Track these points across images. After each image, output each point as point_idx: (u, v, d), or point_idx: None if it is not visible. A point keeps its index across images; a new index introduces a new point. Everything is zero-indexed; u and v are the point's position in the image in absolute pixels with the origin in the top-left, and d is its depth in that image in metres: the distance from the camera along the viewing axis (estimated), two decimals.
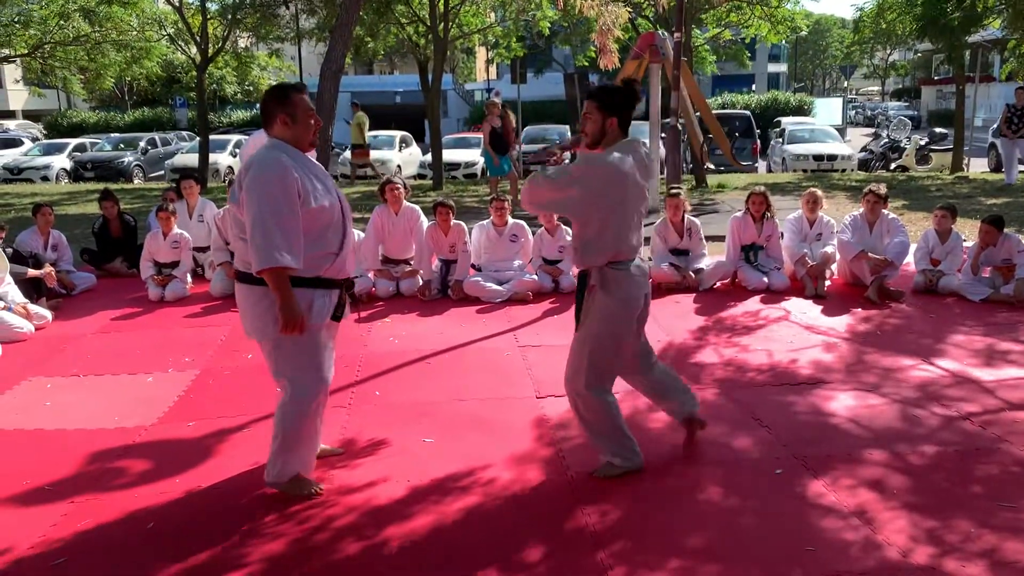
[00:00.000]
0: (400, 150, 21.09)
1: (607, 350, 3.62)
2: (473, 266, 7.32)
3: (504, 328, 6.19)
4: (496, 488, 3.63)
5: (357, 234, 7.35)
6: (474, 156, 18.76)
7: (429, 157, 18.06)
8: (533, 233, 7.54)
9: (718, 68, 25.44)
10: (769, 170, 20.76)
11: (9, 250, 6.95)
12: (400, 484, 3.68)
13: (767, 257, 7.27)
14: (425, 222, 7.35)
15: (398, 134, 22.11)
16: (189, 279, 7.58)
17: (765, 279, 7.06)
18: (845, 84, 39.74)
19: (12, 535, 3.32)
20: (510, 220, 7.44)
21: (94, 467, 3.97)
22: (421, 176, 19.36)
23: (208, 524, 3.37)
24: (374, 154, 20.15)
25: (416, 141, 23.08)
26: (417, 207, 7.47)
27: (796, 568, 2.97)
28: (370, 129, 17.82)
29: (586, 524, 3.29)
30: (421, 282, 7.22)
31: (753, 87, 44.54)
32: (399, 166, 19.62)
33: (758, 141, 20.74)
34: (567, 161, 3.72)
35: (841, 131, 26.44)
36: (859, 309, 6.47)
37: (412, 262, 7.40)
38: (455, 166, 18.83)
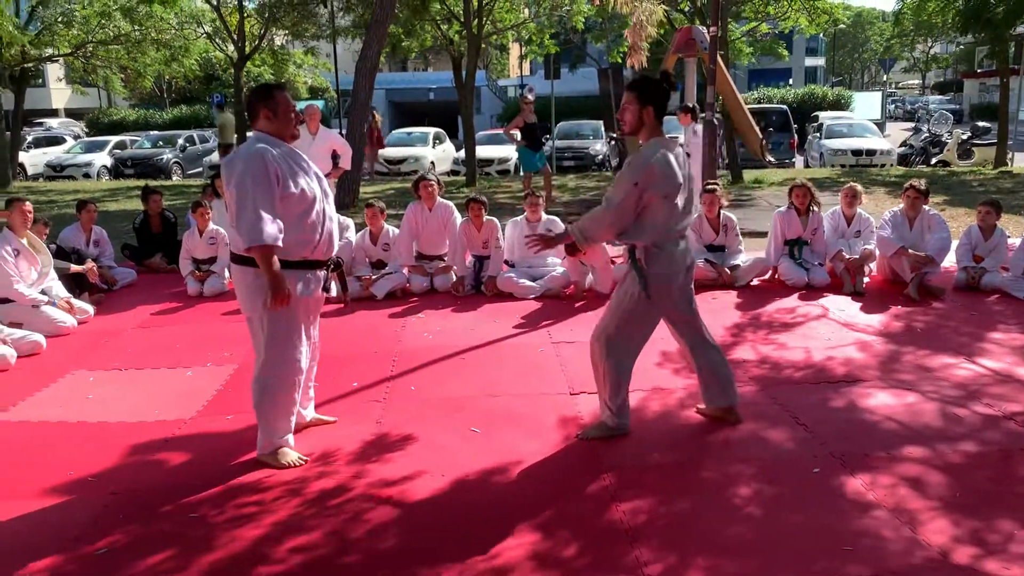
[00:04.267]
0: (433, 146, 21.16)
1: (637, 314, 3.93)
2: (506, 262, 7.32)
3: (538, 324, 6.19)
4: (530, 483, 3.63)
5: (392, 231, 7.41)
6: (508, 152, 18.76)
7: (462, 153, 18.11)
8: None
9: (755, 61, 25.12)
10: (806, 165, 20.50)
11: (53, 246, 7.10)
12: (435, 478, 3.70)
13: (812, 252, 7.16)
14: (459, 218, 7.37)
15: (431, 130, 22.18)
16: (227, 274, 7.68)
17: (806, 275, 6.97)
18: (884, 78, 39.08)
19: (56, 525, 3.40)
20: (544, 216, 7.43)
21: (135, 459, 4.05)
22: (454, 172, 19.40)
23: (247, 516, 3.42)
24: (409, 151, 20.27)
25: (449, 137, 23.14)
26: (451, 203, 7.49)
27: (833, 566, 2.94)
28: (404, 125, 18.01)
29: (621, 520, 3.28)
30: (455, 278, 7.24)
31: (790, 81, 43.99)
32: (432, 162, 19.69)
33: (795, 136, 20.49)
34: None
35: (880, 126, 26.04)
36: (898, 307, 6.37)
37: (446, 258, 7.42)
38: (488, 162, 18.85)
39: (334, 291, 5.46)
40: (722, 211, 7.33)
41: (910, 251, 6.72)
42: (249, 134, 3.93)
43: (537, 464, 3.82)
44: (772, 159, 13.54)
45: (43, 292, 6.42)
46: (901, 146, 21.22)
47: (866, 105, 32.96)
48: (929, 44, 52.63)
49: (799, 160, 21.03)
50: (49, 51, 19.66)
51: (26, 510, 3.54)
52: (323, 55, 27.58)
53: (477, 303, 6.86)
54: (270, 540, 3.24)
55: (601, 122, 22.78)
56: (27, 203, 6.42)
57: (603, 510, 3.37)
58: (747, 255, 7.35)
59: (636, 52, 12.43)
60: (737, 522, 3.27)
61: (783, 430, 4.15)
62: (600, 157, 19.80)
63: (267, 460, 3.84)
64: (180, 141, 23.49)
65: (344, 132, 12.41)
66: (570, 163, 19.21)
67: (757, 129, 12.57)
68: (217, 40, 22.32)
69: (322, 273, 3.84)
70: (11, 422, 4.59)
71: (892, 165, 18.65)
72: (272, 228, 3.48)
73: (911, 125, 28.49)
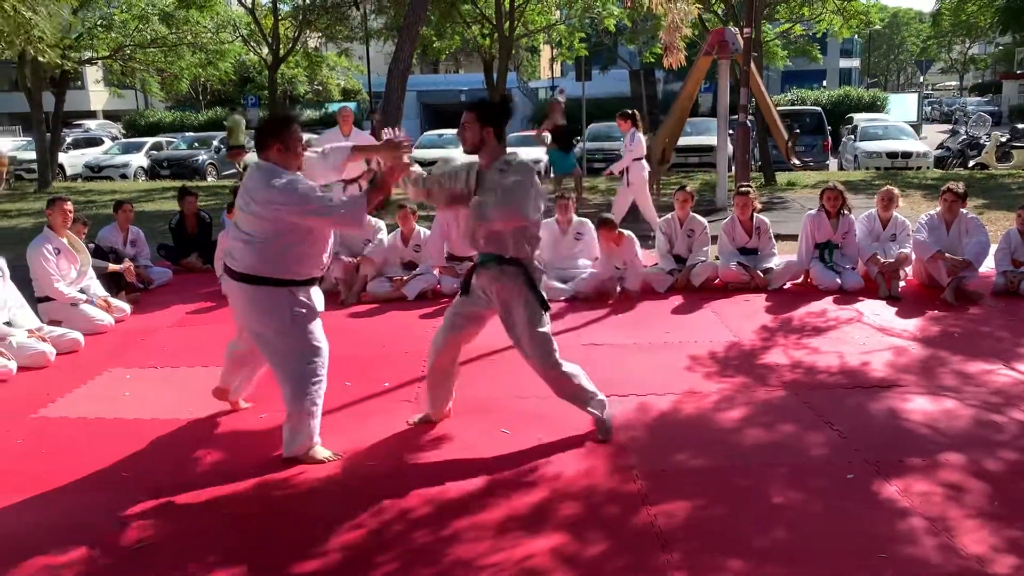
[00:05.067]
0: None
1: (546, 326, 4.03)
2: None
3: (567, 326, 6.18)
4: (560, 485, 3.63)
5: (423, 232, 7.45)
6: (538, 154, 18.76)
7: None
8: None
9: (789, 63, 24.92)
10: (840, 168, 20.25)
11: (91, 245, 7.22)
12: (466, 477, 3.71)
13: (842, 256, 7.08)
14: None
15: None
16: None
17: (838, 279, 6.89)
18: (921, 79, 38.47)
19: (93, 520, 3.46)
20: (574, 218, 7.43)
21: (171, 456, 4.11)
22: None
23: (284, 513, 3.46)
24: (440, 152, 20.35)
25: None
26: None
27: (868, 573, 2.90)
28: (436, 127, 18.14)
29: (652, 523, 3.27)
30: None
31: (824, 83, 43.54)
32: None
33: (829, 138, 20.26)
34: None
35: (916, 128, 25.63)
36: (935, 311, 6.27)
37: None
38: None
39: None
40: (755, 214, 7.27)
41: (947, 255, 6.62)
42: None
43: (567, 466, 3.82)
44: (797, 161, 13.42)
45: (82, 291, 6.54)
46: (938, 148, 20.88)
47: (902, 107, 32.53)
48: (967, 45, 51.79)
49: (833, 163, 20.79)
50: (88, 54, 20.01)
51: (63, 504, 3.61)
52: (356, 57, 27.81)
53: None
54: (306, 537, 3.27)
55: None
56: (68, 202, 6.54)
57: (634, 513, 3.36)
58: (780, 258, 7.28)
59: (673, 52, 12.35)
60: (770, 527, 3.25)
61: (817, 435, 4.11)
62: None
63: (304, 459, 3.92)
64: (215, 143, 23.77)
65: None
66: (601, 165, 19.12)
67: (783, 131, 12.44)
68: (252, 43, 22.58)
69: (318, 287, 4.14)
70: (50, 418, 4.68)
71: (928, 168, 18.36)
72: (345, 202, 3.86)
73: (948, 127, 28.01)
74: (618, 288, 7.00)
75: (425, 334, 5.96)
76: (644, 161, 9.83)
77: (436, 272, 7.28)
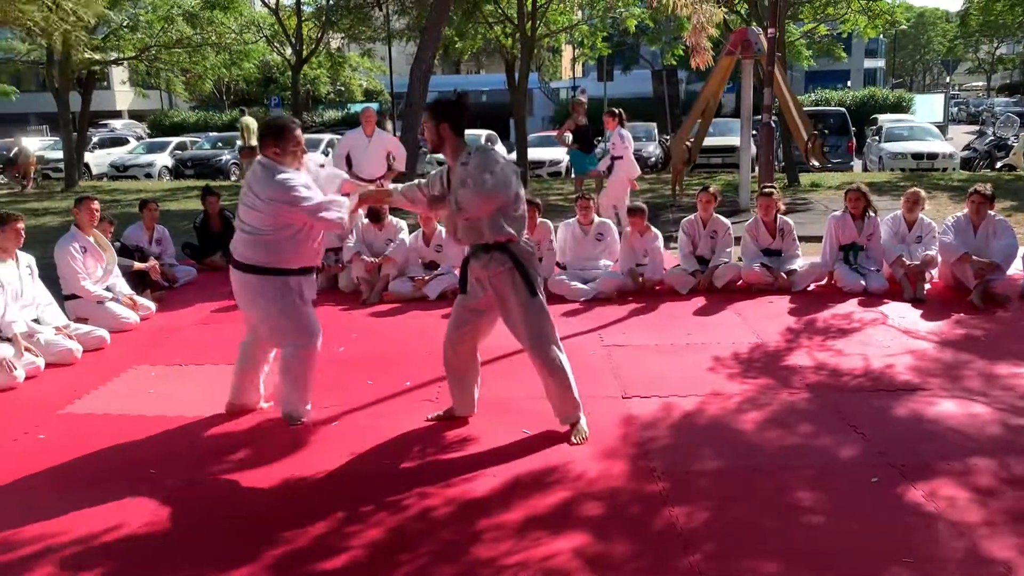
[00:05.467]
0: None
1: (542, 308, 4.08)
2: (558, 264, 7.32)
3: (589, 327, 6.17)
4: (583, 485, 3.62)
5: (445, 232, 7.46)
6: (559, 154, 18.74)
7: (514, 155, 18.14)
8: (620, 234, 7.53)
9: (813, 63, 24.71)
10: (865, 169, 20.08)
11: (117, 244, 7.30)
12: (488, 477, 3.72)
13: (867, 258, 7.02)
14: None
15: (483, 132, 22.24)
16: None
17: (862, 281, 6.83)
18: (947, 79, 38.05)
19: (121, 515, 3.50)
20: (596, 218, 7.42)
21: (195, 453, 4.15)
22: None
23: (307, 510, 3.48)
24: None
25: (501, 139, 23.20)
26: None
27: None
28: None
29: (675, 524, 3.26)
30: None
31: (848, 83, 43.16)
32: None
33: (853, 139, 20.09)
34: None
35: (942, 128, 25.36)
36: (961, 314, 6.20)
37: None
38: (540, 164, 18.85)
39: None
40: (779, 215, 7.23)
41: (974, 257, 6.55)
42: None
43: (590, 467, 3.81)
44: (816, 163, 13.36)
45: (108, 289, 6.61)
46: (964, 150, 20.64)
47: (928, 108, 32.17)
48: (995, 44, 51.14)
49: (857, 164, 20.61)
50: (114, 55, 20.24)
51: (90, 499, 3.64)
52: (378, 58, 27.91)
53: None
54: (331, 534, 3.29)
55: (654, 124, 22.62)
56: (95, 202, 6.62)
57: (656, 514, 3.35)
58: (804, 260, 7.23)
59: (699, 53, 12.28)
60: (793, 530, 3.22)
61: (840, 438, 4.07)
62: (653, 159, 19.67)
63: (297, 420, 4.36)
64: (239, 142, 23.93)
65: (398, 134, 12.54)
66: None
67: (804, 132, 12.36)
68: (275, 44, 22.74)
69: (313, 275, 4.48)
70: (76, 414, 4.74)
71: (955, 169, 18.16)
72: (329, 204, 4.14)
73: (975, 128, 27.69)
74: (640, 278, 7.03)
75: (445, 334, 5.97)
76: (632, 159, 9.97)
77: (457, 272, 7.28)
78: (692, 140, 13.28)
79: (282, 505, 3.56)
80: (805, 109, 14.47)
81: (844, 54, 24.78)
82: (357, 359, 5.56)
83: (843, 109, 22.23)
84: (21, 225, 5.76)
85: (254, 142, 19.34)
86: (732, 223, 7.51)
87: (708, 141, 14.07)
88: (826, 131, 14.64)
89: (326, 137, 22.90)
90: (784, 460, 3.87)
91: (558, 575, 2.95)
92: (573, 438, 4.07)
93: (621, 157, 9.95)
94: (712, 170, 17.91)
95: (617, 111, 10.21)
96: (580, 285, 6.98)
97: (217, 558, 3.14)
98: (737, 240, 7.49)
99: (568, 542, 3.15)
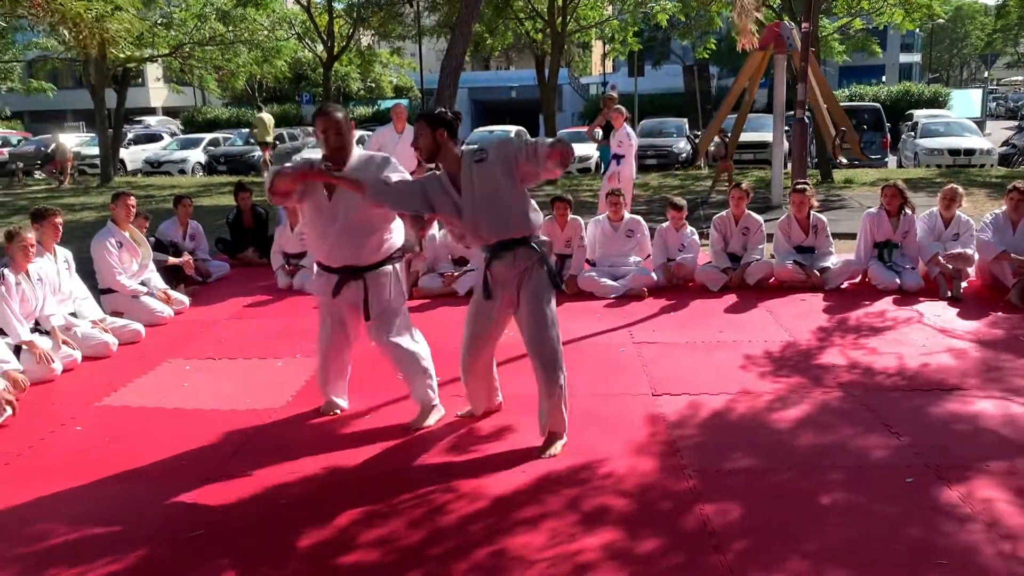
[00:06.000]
0: None
1: (552, 305, 4.05)
2: (588, 261, 7.30)
3: (618, 324, 6.15)
4: (613, 483, 3.61)
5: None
6: (589, 150, 18.69)
7: None
8: (652, 230, 7.49)
9: (845, 59, 24.36)
10: (900, 165, 19.80)
11: (151, 239, 7.41)
12: (517, 473, 3.72)
13: (902, 256, 6.92)
14: (541, 216, 7.36)
15: (513, 128, 22.26)
16: (316, 269, 7.85)
17: (897, 279, 6.73)
18: (986, 74, 37.36)
19: (153, 507, 3.55)
20: (626, 215, 7.39)
21: (228, 445, 4.19)
22: None
23: (338, 504, 3.50)
24: None
25: (531, 136, 23.17)
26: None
27: None
28: (486, 124, 18.23)
29: (705, 523, 3.23)
30: None
31: (883, 78, 42.50)
32: None
33: (888, 135, 19.80)
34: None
35: (980, 124, 24.92)
36: (999, 313, 6.09)
37: None
38: None
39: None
40: (812, 212, 7.15)
41: (1012, 255, 6.42)
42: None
43: (620, 464, 3.79)
44: (844, 160, 13.20)
45: (143, 283, 6.71)
46: (1003, 146, 20.27)
47: (965, 103, 31.60)
48: None
49: (892, 160, 20.32)
50: (149, 52, 20.51)
51: (124, 491, 3.71)
52: (408, 54, 28.00)
53: (557, 301, 6.76)
54: (357, 527, 3.31)
55: (685, 120, 22.46)
56: (131, 197, 6.72)
57: (686, 512, 3.33)
58: (837, 257, 7.15)
59: (746, 36, 12.10)
60: (825, 530, 3.19)
61: (874, 437, 4.02)
62: (684, 155, 19.55)
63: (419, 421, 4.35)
64: (270, 139, 24.14)
65: None
66: (652, 161, 19.00)
67: (834, 128, 12.21)
68: (307, 40, 22.90)
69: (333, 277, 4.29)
70: (112, 407, 4.82)
71: (992, 166, 17.83)
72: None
73: (1014, 124, 27.18)
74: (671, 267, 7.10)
75: None
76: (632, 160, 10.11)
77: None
78: (729, 135, 13.19)
79: (312, 498, 3.59)
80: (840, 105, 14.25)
81: (879, 49, 24.39)
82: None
83: (878, 104, 21.89)
84: (59, 220, 5.86)
85: (270, 138, 19.64)
86: (764, 220, 7.44)
87: (740, 137, 13.94)
88: (864, 127, 14.44)
89: (357, 133, 22.94)
90: (816, 459, 3.83)
91: (588, 571, 2.94)
92: (547, 452, 3.91)
93: (624, 156, 9.94)
94: (744, 166, 17.75)
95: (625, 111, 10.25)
96: (610, 282, 6.96)
97: (248, 550, 3.18)
98: (769, 237, 7.42)
99: (598, 539, 3.14)
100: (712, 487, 3.55)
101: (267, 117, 20.22)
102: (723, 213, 7.36)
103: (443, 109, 3.97)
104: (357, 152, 4.19)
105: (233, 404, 4.74)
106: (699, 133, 18.68)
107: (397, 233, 4.30)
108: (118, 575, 3.04)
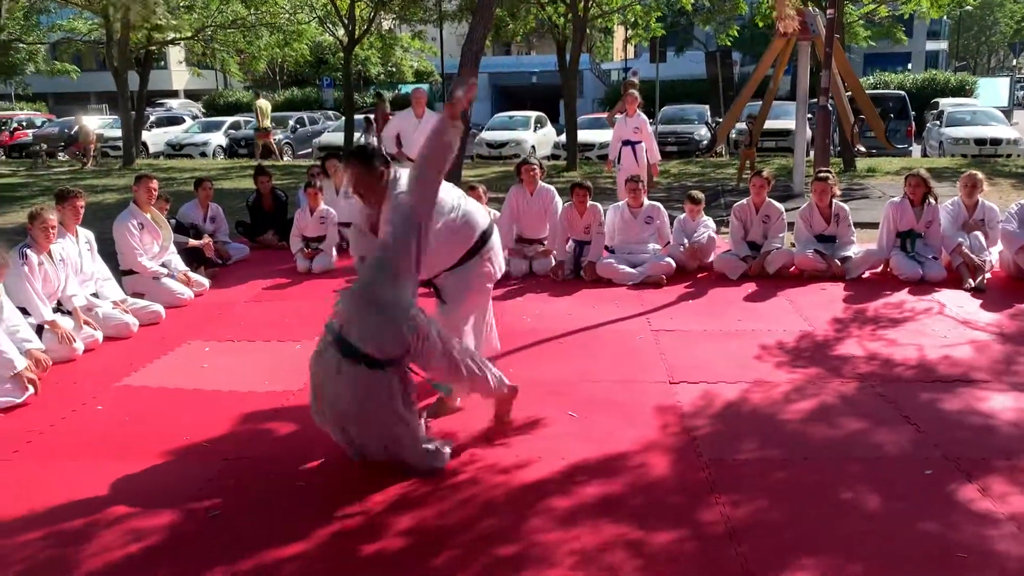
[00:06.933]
0: (534, 130, 21.16)
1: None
2: (607, 248, 7.28)
3: (637, 311, 6.13)
4: (629, 472, 3.61)
5: (493, 213, 7.46)
6: (609, 136, 18.58)
7: (563, 137, 18.04)
8: (671, 217, 7.47)
9: (871, 45, 24.03)
10: (924, 154, 19.54)
11: (172, 221, 7.45)
12: (536, 461, 3.71)
13: (925, 246, 6.84)
14: (560, 203, 7.36)
15: (533, 114, 22.18)
16: (335, 253, 7.90)
17: (919, 269, 6.66)
18: (1014, 62, 36.71)
19: (173, 487, 3.59)
20: (645, 202, 7.35)
21: (247, 427, 4.23)
22: (555, 156, 19.36)
23: (356, 489, 3.52)
24: (510, 134, 20.41)
25: (551, 121, 23.08)
26: (552, 188, 7.49)
27: (945, 573, 2.81)
28: (506, 109, 18.16)
29: (721, 514, 3.22)
30: (554, 262, 7.24)
31: (909, 65, 41.95)
32: (533, 146, 19.71)
33: (913, 123, 19.55)
34: None
35: (1007, 113, 24.53)
36: (1023, 305, 6.01)
37: (546, 242, 7.43)
38: (589, 147, 18.71)
39: None
40: (834, 200, 7.08)
41: None
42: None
43: (636, 452, 3.79)
44: (862, 147, 13.05)
45: (163, 265, 6.76)
46: None
47: (992, 91, 31.11)
48: None
49: (916, 149, 20.06)
50: (172, 35, 20.58)
51: (144, 469, 3.74)
52: (429, 39, 27.91)
53: (576, 288, 6.85)
54: (381, 513, 3.32)
55: (707, 107, 22.28)
56: (154, 180, 6.76)
57: (701, 503, 3.32)
58: (859, 247, 7.08)
59: (784, 20, 11.92)
60: (842, 523, 3.17)
61: (892, 429, 3.99)
62: (704, 142, 19.41)
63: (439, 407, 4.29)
64: (291, 123, 24.22)
65: None
66: (673, 148, 18.88)
67: (851, 115, 12.06)
68: (328, 24, 22.88)
69: None
70: (132, 387, 4.86)
71: (1019, 156, 17.55)
72: None
73: None
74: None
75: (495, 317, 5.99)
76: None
77: (504, 254, 7.26)
78: (755, 122, 13.08)
79: (335, 482, 3.60)
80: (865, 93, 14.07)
81: (905, 36, 24.07)
82: None
83: (903, 92, 21.61)
84: (81, 203, 5.90)
85: (267, 123, 19.85)
86: (785, 208, 7.38)
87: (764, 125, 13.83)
88: (891, 115, 14.26)
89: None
90: (834, 450, 3.80)
91: (605, 561, 2.94)
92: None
93: (640, 142, 9.89)
94: (766, 154, 17.59)
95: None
96: (628, 269, 6.93)
97: (269, 533, 3.19)
98: (790, 226, 7.36)
99: (614, 528, 3.14)
100: (728, 477, 3.53)
101: (264, 103, 20.38)
102: (743, 201, 7.31)
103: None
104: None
105: (252, 386, 4.77)
106: (719, 120, 18.50)
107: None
108: (137, 553, 3.07)
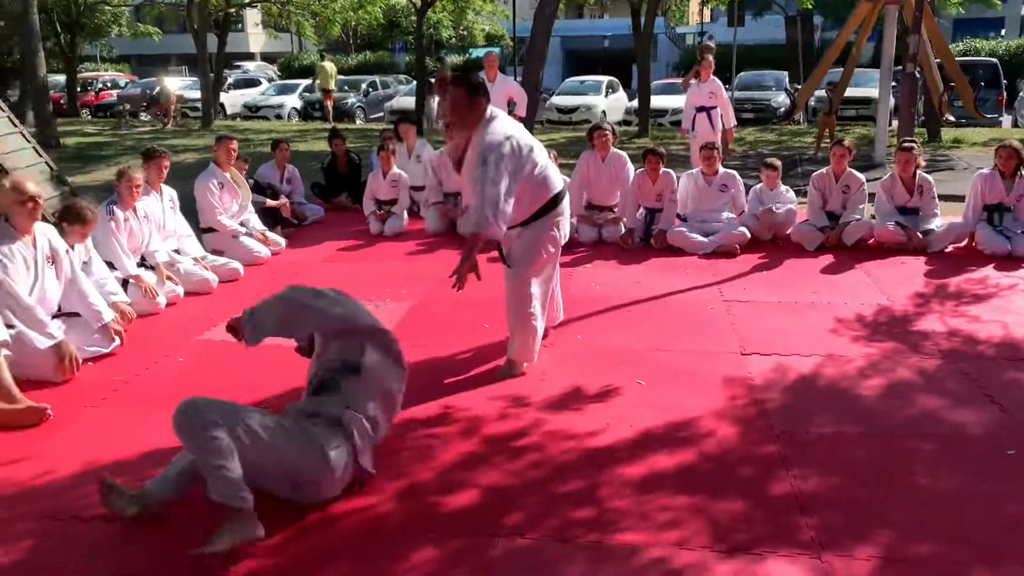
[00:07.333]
0: (606, 95, 20.90)
1: None
2: (679, 216, 7.18)
3: (708, 281, 6.05)
4: (698, 442, 3.58)
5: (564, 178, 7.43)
6: (683, 102, 18.24)
7: (635, 103, 17.77)
8: (747, 186, 7.32)
9: (961, 10, 22.90)
10: (1015, 125, 18.65)
11: (250, 181, 7.62)
12: (602, 427, 3.72)
13: (1014, 220, 6.56)
14: (632, 169, 7.27)
15: (605, 79, 21.89)
16: (406, 216, 7.99)
17: (1007, 244, 6.39)
18: None
19: None
20: (720, 169, 7.21)
21: None
22: (626, 122, 19.11)
23: (428, 447, 3.58)
24: (581, 99, 20.21)
25: (623, 86, 22.75)
26: (624, 154, 7.40)
27: (1021, 559, 2.74)
28: (578, 74, 17.95)
29: (790, 488, 3.18)
30: (624, 230, 7.19)
31: (1003, 31, 39.92)
32: (604, 112, 19.47)
33: (1004, 92, 18.65)
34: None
35: None
36: None
37: (616, 209, 7.37)
38: (662, 112, 18.40)
39: None
40: (919, 171, 6.83)
41: None
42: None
43: (705, 422, 3.76)
44: (951, 117, 12.50)
45: (242, 224, 6.93)
46: None
47: None
48: None
49: (1007, 119, 19.16)
50: None
51: None
52: (500, 2, 27.67)
53: (645, 256, 6.78)
54: (454, 470, 3.37)
55: (785, 73, 21.63)
56: (233, 141, 6.92)
57: (771, 476, 3.28)
58: (942, 220, 6.83)
59: None
60: (917, 502, 3.10)
61: (974, 408, 3.87)
62: (782, 110, 18.90)
63: (509, 369, 4.34)
64: (364, 86, 24.42)
65: (520, 79, 12.47)
66: (749, 115, 18.43)
67: (939, 83, 11.54)
68: None
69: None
70: (212, 340, 5.02)
71: None
72: None
73: None
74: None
75: (562, 282, 5.98)
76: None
77: (574, 220, 7.22)
78: (834, 89, 12.68)
79: (403, 439, 3.66)
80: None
81: (998, 0, 22.88)
82: (475, 302, 5.62)
83: (995, 60, 20.60)
84: (166, 162, 6.10)
85: (331, 86, 20.57)
86: (866, 179, 7.15)
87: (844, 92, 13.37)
88: (981, 84, 13.63)
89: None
90: (911, 428, 3.71)
91: (677, 529, 2.93)
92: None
93: (715, 107, 9.66)
94: (845, 123, 17.05)
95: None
96: (700, 238, 6.83)
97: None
98: (871, 197, 7.14)
99: (685, 498, 3.13)
100: (799, 452, 3.48)
101: (329, 66, 20.90)
102: (823, 170, 7.11)
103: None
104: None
105: None
106: (799, 87, 17.95)
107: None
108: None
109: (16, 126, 8.82)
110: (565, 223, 4.34)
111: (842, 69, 12.98)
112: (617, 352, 4.66)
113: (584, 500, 3.13)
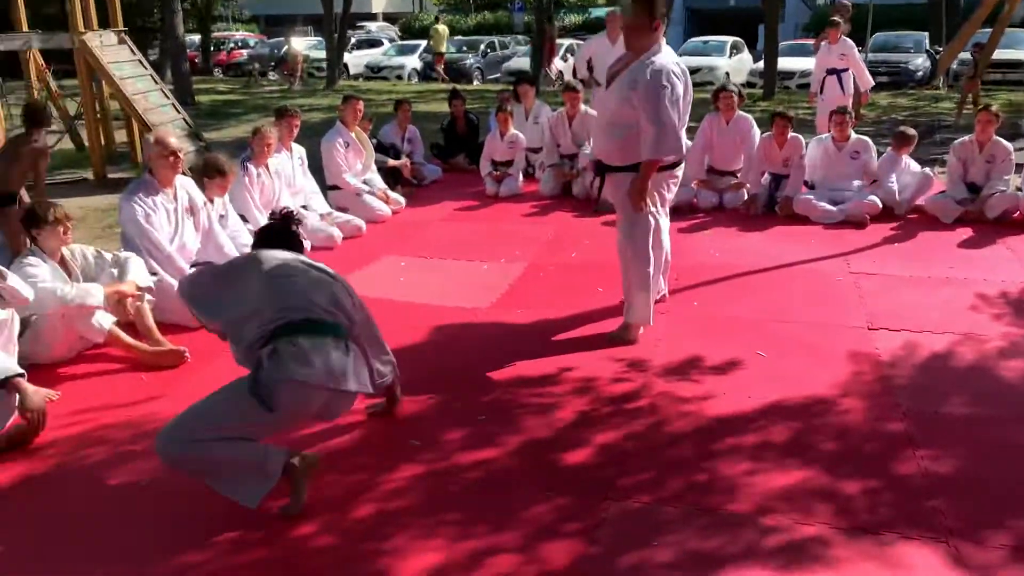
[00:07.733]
0: (730, 56, 20.21)
1: None
2: (806, 183, 6.92)
3: (835, 252, 5.81)
4: (819, 416, 3.48)
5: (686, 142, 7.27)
6: (812, 65, 17.44)
7: (760, 65, 17.13)
8: (879, 153, 6.97)
9: None
10: None
11: (373, 141, 7.80)
12: (720, 395, 3.67)
13: None
14: (758, 133, 7.04)
15: (729, 40, 21.17)
16: (521, 178, 8.01)
17: None
18: None
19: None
20: (852, 135, 6.88)
21: (438, 338, 4.44)
22: (750, 84, 18.43)
23: (542, 404, 3.63)
24: (703, 60, 19.64)
25: (748, 47, 21.95)
26: (750, 116, 7.17)
27: None
28: (700, 34, 17.45)
29: (918, 468, 3.06)
30: (746, 196, 6.99)
31: None
32: (727, 73, 18.85)
33: None
34: None
35: None
36: None
37: (739, 175, 7.17)
38: (790, 75, 17.66)
39: None
40: None
41: None
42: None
43: (828, 397, 3.64)
44: None
45: (365, 182, 7.12)
46: None
47: None
48: None
49: None
50: None
51: None
52: None
53: (769, 224, 6.58)
54: (568, 428, 3.41)
55: (926, 34, 20.33)
56: (360, 101, 7.10)
57: (897, 454, 3.16)
58: None
59: None
60: None
61: None
62: (920, 73, 17.81)
63: (623, 333, 4.32)
64: (482, 47, 24.46)
65: None
66: (884, 78, 17.44)
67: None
68: None
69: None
70: None
71: None
72: None
73: None
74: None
75: (677, 249, 5.88)
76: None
77: (694, 185, 7.08)
78: (981, 51, 11.85)
79: (515, 396, 3.72)
80: None
81: None
82: (588, 265, 5.63)
83: None
84: (297, 121, 6.35)
85: (443, 48, 21.43)
86: (1015, 148, 6.68)
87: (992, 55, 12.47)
88: None
89: (566, 42, 22.77)
90: None
91: (796, 503, 2.87)
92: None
93: (847, 70, 9.14)
94: (990, 88, 15.93)
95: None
96: (828, 206, 6.56)
97: (459, 439, 3.36)
98: (1018, 168, 6.67)
99: (804, 471, 3.06)
100: (928, 432, 3.33)
101: (442, 28, 21.47)
102: (965, 138, 6.68)
103: None
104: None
105: (442, 300, 4.99)
106: (940, 49, 16.84)
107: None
108: (333, 446, 3.34)
109: (157, 83, 9.33)
110: (667, 190, 4.42)
111: (991, 29, 12.10)
112: (736, 321, 4.57)
113: (697, 467, 3.11)
